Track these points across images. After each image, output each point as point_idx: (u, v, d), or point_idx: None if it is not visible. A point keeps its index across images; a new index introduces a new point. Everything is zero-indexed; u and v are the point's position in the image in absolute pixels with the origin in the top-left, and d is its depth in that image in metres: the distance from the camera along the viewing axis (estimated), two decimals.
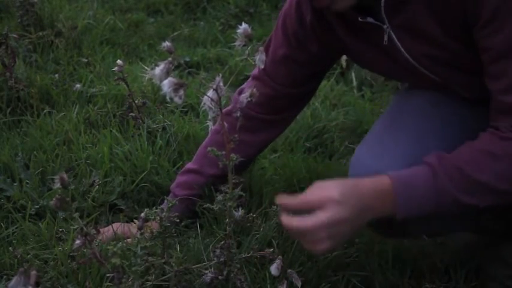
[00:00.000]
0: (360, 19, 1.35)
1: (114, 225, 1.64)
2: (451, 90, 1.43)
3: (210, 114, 1.20)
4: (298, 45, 1.53)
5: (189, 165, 1.73)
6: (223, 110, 1.29)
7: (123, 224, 1.65)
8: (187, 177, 1.71)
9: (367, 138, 1.51)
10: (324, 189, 1.23)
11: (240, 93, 1.64)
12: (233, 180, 1.32)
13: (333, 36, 1.48)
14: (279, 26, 1.57)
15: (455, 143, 1.33)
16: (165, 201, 1.68)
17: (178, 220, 1.51)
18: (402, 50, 1.37)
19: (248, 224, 1.63)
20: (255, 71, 1.66)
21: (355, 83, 2.60)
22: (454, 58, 1.35)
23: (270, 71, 1.58)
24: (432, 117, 1.45)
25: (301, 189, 1.80)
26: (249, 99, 1.23)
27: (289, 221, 1.21)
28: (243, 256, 1.44)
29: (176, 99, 1.15)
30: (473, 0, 1.23)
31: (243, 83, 1.73)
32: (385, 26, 1.35)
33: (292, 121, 1.76)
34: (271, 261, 1.35)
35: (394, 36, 1.36)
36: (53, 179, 1.60)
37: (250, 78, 1.68)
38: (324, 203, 1.20)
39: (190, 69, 2.66)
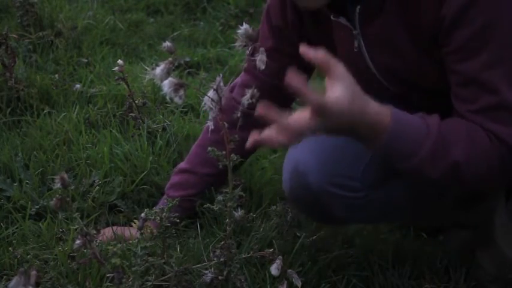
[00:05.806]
0: (332, 17, 1.34)
1: (113, 227, 1.64)
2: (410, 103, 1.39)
3: (211, 115, 1.20)
4: (284, 37, 1.52)
5: (182, 164, 1.73)
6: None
7: (122, 227, 1.65)
8: (180, 177, 1.70)
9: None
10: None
11: (233, 89, 1.63)
12: (234, 182, 1.32)
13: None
14: (264, 19, 1.56)
15: None
16: (160, 202, 1.68)
17: (178, 220, 1.51)
18: (367, 58, 1.36)
19: (248, 224, 1.63)
20: (246, 64, 1.65)
21: None
22: (418, 76, 1.33)
23: None
24: None
25: None
26: (250, 100, 1.23)
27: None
28: (243, 256, 1.44)
29: (176, 99, 1.15)
30: (450, 23, 1.20)
31: None
32: (355, 32, 1.34)
33: None
34: (271, 261, 1.35)
35: (362, 44, 1.35)
36: (53, 179, 1.60)
37: (242, 72, 1.67)
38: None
39: (190, 70, 2.66)
